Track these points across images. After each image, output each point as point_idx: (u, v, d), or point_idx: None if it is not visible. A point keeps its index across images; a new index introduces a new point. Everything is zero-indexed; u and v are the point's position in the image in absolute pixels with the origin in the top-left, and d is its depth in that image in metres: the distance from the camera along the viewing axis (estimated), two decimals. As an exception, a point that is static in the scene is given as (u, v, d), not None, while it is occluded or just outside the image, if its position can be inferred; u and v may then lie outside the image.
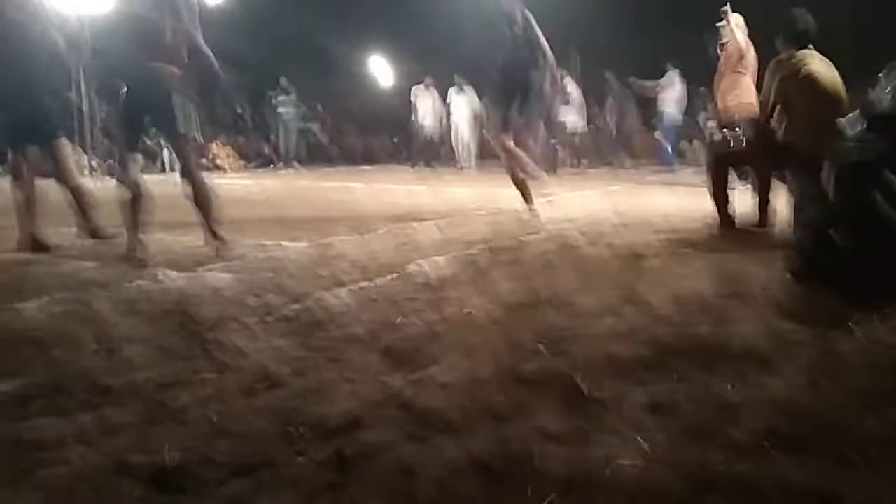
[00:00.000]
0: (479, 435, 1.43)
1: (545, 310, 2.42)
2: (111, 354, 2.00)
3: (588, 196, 6.81)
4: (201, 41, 3.61)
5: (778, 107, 3.82)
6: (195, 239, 3.89)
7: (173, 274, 3.09)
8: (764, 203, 4.18)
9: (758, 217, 4.19)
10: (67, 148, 4.36)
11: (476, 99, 12.37)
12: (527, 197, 5.00)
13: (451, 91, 12.57)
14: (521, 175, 4.95)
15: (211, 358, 1.98)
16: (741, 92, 5.43)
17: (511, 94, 4.85)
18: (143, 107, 3.58)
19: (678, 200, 6.00)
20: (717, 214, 4.18)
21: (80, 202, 4.28)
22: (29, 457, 1.40)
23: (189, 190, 3.70)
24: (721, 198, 4.16)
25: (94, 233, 4.27)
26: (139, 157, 3.75)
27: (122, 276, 3.05)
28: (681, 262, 3.20)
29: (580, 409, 1.56)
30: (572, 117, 12.07)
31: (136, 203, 3.57)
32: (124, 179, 3.61)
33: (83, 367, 1.89)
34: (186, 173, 3.73)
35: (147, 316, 2.42)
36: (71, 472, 1.34)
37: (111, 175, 9.68)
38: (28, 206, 3.99)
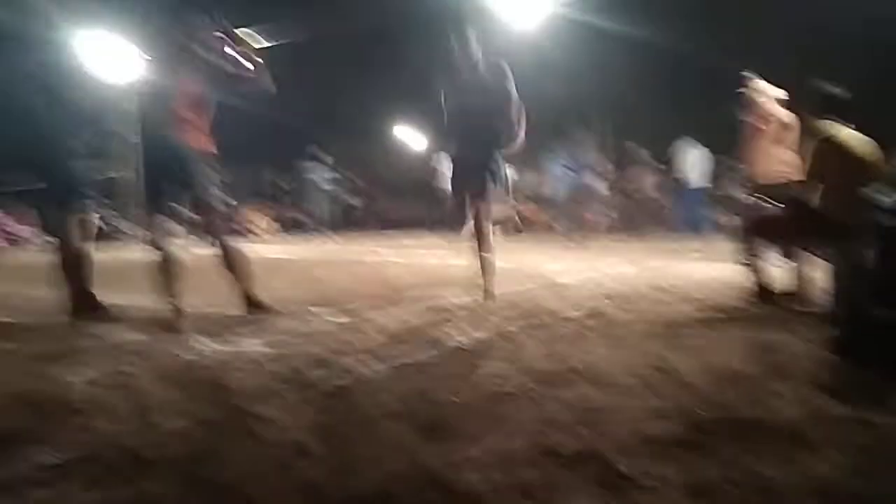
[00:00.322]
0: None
1: (580, 384, 2.38)
2: (150, 426, 2.03)
3: (618, 265, 6.79)
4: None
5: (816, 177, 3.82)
6: (229, 307, 3.97)
7: (210, 343, 3.15)
8: (800, 274, 4.10)
9: (794, 289, 4.11)
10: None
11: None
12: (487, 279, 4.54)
13: None
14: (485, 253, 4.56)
15: (251, 433, 2.00)
16: (770, 159, 5.48)
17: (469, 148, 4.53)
18: (172, 173, 3.73)
19: (710, 270, 5.93)
20: (751, 285, 4.11)
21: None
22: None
23: (222, 256, 3.82)
24: (755, 268, 4.11)
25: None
26: (172, 223, 3.86)
27: (165, 348, 3.12)
28: (716, 334, 3.14)
29: (617, 490, 1.52)
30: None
31: (170, 270, 3.68)
32: (156, 246, 3.74)
33: (123, 438, 1.92)
34: (217, 240, 3.85)
35: (185, 387, 2.46)
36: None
37: (146, 242, 10.01)
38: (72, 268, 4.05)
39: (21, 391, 2.37)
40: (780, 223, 4.10)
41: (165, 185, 3.74)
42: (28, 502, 1.55)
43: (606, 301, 4.40)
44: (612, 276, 5.95)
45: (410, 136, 17.46)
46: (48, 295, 4.18)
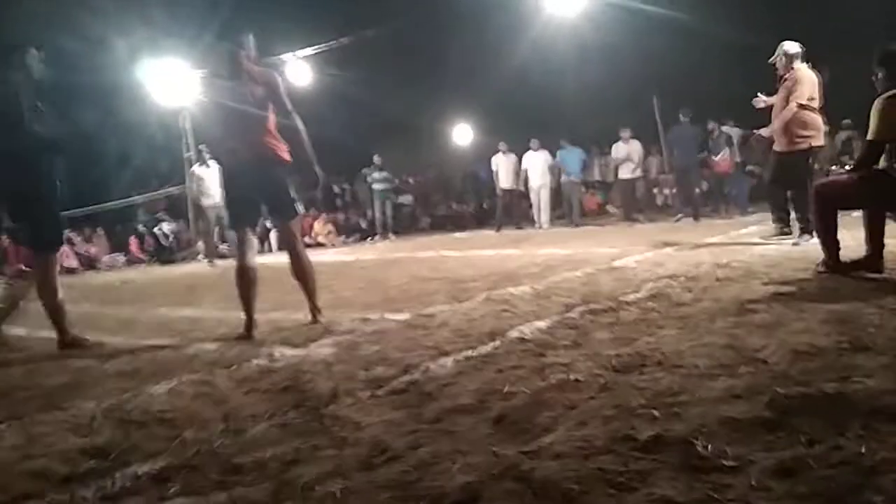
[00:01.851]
0: (601, 505, 1.41)
1: (654, 371, 2.36)
2: (237, 433, 2.12)
3: (676, 245, 6.67)
4: (299, 123, 3.90)
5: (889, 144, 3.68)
6: (304, 316, 4.08)
7: (287, 351, 3.26)
8: (878, 246, 3.95)
9: (872, 261, 3.96)
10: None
11: (549, 158, 12.85)
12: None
13: (526, 154, 13.09)
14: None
15: (329, 433, 2.06)
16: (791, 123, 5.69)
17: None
18: (253, 189, 3.86)
19: (778, 248, 5.76)
20: (827, 260, 3.99)
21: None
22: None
23: (292, 265, 3.96)
24: (831, 242, 3.98)
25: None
26: (252, 237, 4.00)
27: (240, 356, 3.24)
28: (794, 313, 3.05)
29: (699, 474, 1.51)
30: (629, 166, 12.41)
31: (249, 283, 3.81)
32: (238, 260, 3.88)
33: (213, 446, 2.01)
34: (292, 251, 3.99)
35: (266, 393, 2.56)
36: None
37: (226, 257, 10.41)
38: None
39: (112, 406, 2.50)
40: (857, 195, 3.96)
41: (244, 202, 3.89)
42: (131, 510, 1.65)
43: (668, 281, 4.34)
44: (671, 256, 5.86)
45: (465, 135, 17.51)
46: (124, 313, 4.38)
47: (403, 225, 15.67)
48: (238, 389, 2.63)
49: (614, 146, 12.67)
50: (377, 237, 14.01)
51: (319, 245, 13.44)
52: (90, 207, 11.98)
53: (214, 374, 2.90)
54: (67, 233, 10.24)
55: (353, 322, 3.92)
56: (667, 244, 6.89)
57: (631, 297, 3.92)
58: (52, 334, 3.95)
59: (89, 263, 12.69)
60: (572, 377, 2.35)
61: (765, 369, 2.23)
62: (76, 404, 2.57)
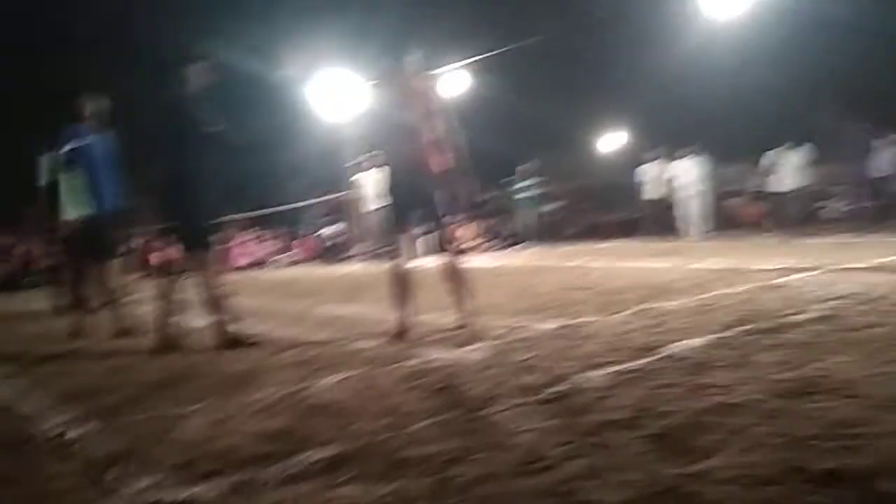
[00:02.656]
0: (767, 537, 1.37)
1: (825, 400, 2.21)
2: (399, 428, 2.25)
3: (847, 262, 6.11)
4: (456, 137, 4.04)
5: None
6: (456, 320, 4.21)
7: (441, 353, 3.39)
8: None
9: None
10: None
11: (701, 166, 12.22)
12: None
13: (679, 162, 12.54)
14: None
15: (484, 436, 2.13)
16: None
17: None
18: (409, 195, 4.04)
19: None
20: None
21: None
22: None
23: (446, 270, 4.07)
24: None
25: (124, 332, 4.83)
26: (408, 241, 4.18)
27: (399, 355, 3.42)
28: None
29: (884, 517, 1.42)
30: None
31: (404, 285, 3.99)
32: (393, 263, 4.07)
33: (379, 439, 2.15)
34: (446, 256, 4.12)
35: (424, 392, 2.68)
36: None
37: (379, 257, 10.94)
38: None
39: (288, 394, 2.74)
40: None
41: (404, 207, 4.08)
42: (304, 493, 1.80)
43: (840, 303, 4.02)
44: (843, 276, 5.40)
45: (613, 145, 17.17)
46: (295, 308, 4.73)
47: (549, 233, 15.60)
48: (398, 387, 2.78)
49: (764, 155, 11.73)
50: (522, 245, 14.06)
51: (467, 251, 13.73)
52: (264, 210, 13.02)
53: (376, 370, 3.08)
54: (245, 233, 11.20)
55: (503, 329, 3.99)
56: (838, 262, 6.36)
57: (797, 318, 3.67)
58: (235, 326, 4.26)
59: (262, 261, 13.81)
60: (733, 400, 2.26)
61: (960, 405, 2.03)
62: (257, 391, 2.85)
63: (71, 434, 2.41)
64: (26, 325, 6.11)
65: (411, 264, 4.10)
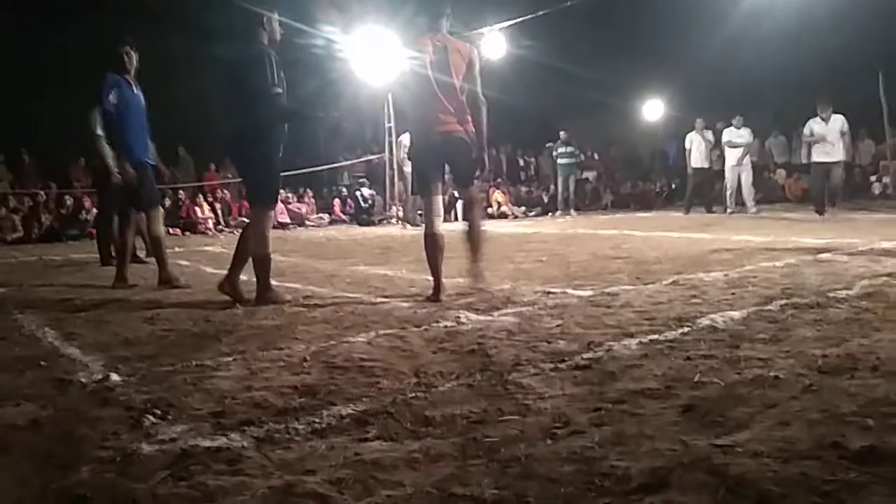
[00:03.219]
0: (801, 512, 1.33)
1: (868, 377, 2.15)
2: (428, 388, 2.25)
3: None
4: (483, 106, 4.00)
5: None
6: (490, 284, 4.20)
7: (472, 316, 3.39)
8: None
9: None
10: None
11: (752, 136, 11.79)
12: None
13: (726, 132, 12.09)
14: None
15: (512, 398, 2.13)
16: None
17: None
18: (442, 156, 4.01)
19: None
20: None
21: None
22: (369, 475, 1.63)
23: (468, 231, 4.09)
24: None
25: (167, 282, 4.90)
26: (440, 205, 4.16)
27: (429, 316, 3.42)
28: None
29: (924, 497, 1.37)
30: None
31: (437, 249, 3.98)
32: (427, 227, 4.06)
33: (407, 397, 2.16)
34: (469, 216, 4.12)
35: (453, 354, 2.68)
36: (404, 494, 1.52)
37: (410, 220, 10.98)
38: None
39: (319, 350, 2.77)
40: None
41: (433, 171, 4.04)
42: (332, 446, 1.82)
43: (887, 280, 3.90)
44: (887, 252, 5.23)
45: (655, 111, 16.72)
46: (328, 267, 4.77)
47: (586, 201, 15.43)
48: (428, 347, 2.79)
49: (808, 124, 10.45)
50: (559, 212, 13.92)
51: (502, 216, 13.67)
52: (302, 170, 13.09)
53: (407, 330, 3.10)
54: (283, 193, 11.35)
55: (535, 294, 3.97)
56: (885, 239, 6.15)
57: (841, 294, 3.57)
58: (278, 283, 4.28)
59: (299, 220, 13.95)
60: (771, 374, 2.21)
61: None
62: (289, 346, 2.89)
63: (111, 380, 2.47)
64: (72, 274, 6.28)
65: (441, 228, 4.07)
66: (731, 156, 12.07)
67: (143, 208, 5.13)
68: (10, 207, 11.96)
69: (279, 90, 3.95)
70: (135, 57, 5.01)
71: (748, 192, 12.04)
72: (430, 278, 4.02)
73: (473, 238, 4.14)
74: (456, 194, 8.79)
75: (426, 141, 4.03)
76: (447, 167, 4.08)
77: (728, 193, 12.31)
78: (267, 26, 4.03)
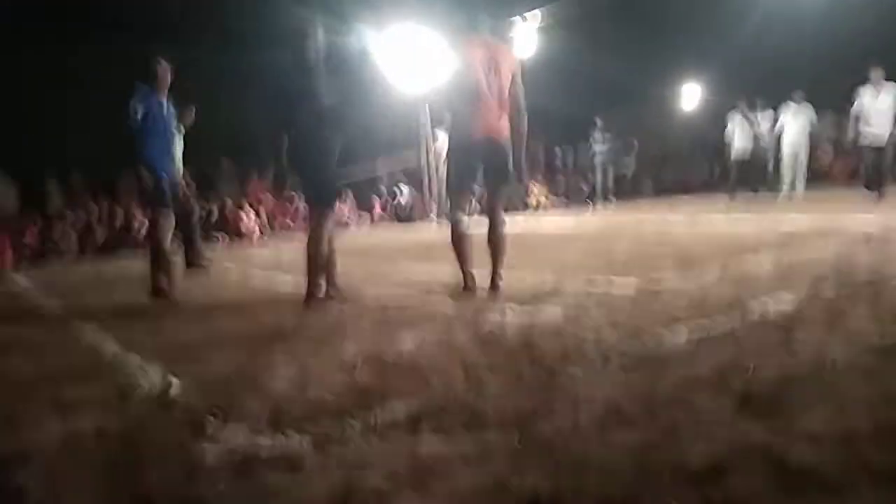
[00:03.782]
0: (863, 499, 1.31)
1: (929, 359, 2.10)
2: (479, 383, 2.28)
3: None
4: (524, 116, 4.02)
5: None
6: (530, 277, 4.20)
7: (517, 308, 3.40)
8: None
9: None
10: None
11: (812, 115, 11.29)
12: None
13: (783, 109, 11.56)
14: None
15: (563, 390, 2.14)
16: None
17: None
18: (478, 157, 4.00)
19: None
20: None
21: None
22: (424, 469, 1.66)
23: (490, 234, 4.07)
24: None
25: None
26: (468, 203, 4.15)
27: (475, 312, 3.45)
28: None
29: None
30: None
31: (462, 245, 4.00)
32: (452, 224, 4.06)
33: (458, 392, 2.19)
34: (493, 219, 4.10)
35: (501, 348, 2.70)
36: (459, 487, 1.55)
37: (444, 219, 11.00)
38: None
39: (372, 352, 2.81)
40: None
41: (469, 171, 4.05)
42: (388, 443, 1.85)
43: (947, 259, 3.77)
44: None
45: (692, 97, 16.38)
46: (373, 266, 4.81)
47: (625, 191, 15.23)
48: (475, 343, 2.81)
49: (858, 94, 9.40)
50: (598, 202, 13.78)
51: (537, 207, 13.61)
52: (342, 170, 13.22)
53: (454, 327, 3.12)
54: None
55: (580, 286, 3.96)
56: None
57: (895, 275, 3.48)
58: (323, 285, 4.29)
59: (341, 223, 14.14)
60: (827, 357, 2.18)
61: None
62: (340, 346, 2.94)
63: (172, 386, 2.56)
64: (129, 286, 6.48)
65: (468, 225, 4.07)
66: (791, 134, 11.50)
67: (184, 219, 5.22)
68: (67, 222, 12.38)
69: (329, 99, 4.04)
70: (169, 72, 5.06)
71: (802, 174, 11.59)
72: (462, 275, 4.03)
73: (495, 241, 4.09)
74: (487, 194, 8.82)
75: (468, 141, 4.02)
76: (485, 166, 4.08)
77: (784, 175, 11.77)
78: (319, 33, 4.12)
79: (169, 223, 5.02)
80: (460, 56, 3.99)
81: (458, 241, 4.03)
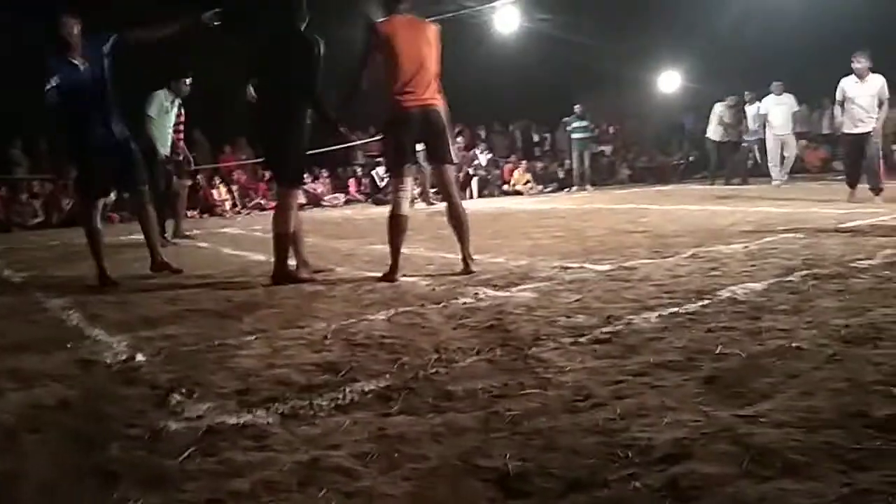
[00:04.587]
0: (826, 480, 1.33)
1: (892, 346, 2.14)
2: (448, 363, 2.27)
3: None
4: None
5: None
6: (503, 259, 4.19)
7: (490, 292, 3.39)
8: None
9: None
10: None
11: (794, 105, 11.37)
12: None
13: (767, 99, 11.63)
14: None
15: (533, 373, 2.14)
16: None
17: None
18: (416, 134, 3.94)
19: None
20: None
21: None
22: (393, 449, 1.65)
23: (448, 213, 4.04)
24: None
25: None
26: (410, 184, 4.09)
27: (448, 293, 3.43)
28: None
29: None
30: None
31: (398, 230, 3.96)
32: (392, 207, 4.02)
33: (428, 373, 2.18)
34: (448, 198, 4.07)
35: (473, 330, 2.69)
36: (429, 467, 1.54)
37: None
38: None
39: (340, 328, 2.78)
40: None
41: (406, 146, 3.97)
42: (356, 421, 1.84)
43: (911, 250, 3.85)
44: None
45: (671, 83, 16.41)
46: (345, 246, 4.77)
47: (602, 176, 15.28)
48: (447, 324, 2.80)
49: (840, 84, 8.53)
50: (575, 187, 13.82)
51: (517, 193, 13.60)
52: (317, 150, 13.03)
53: (426, 307, 3.11)
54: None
55: (553, 269, 3.97)
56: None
57: (863, 264, 3.54)
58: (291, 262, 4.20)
59: (315, 201, 13.95)
60: (793, 344, 2.21)
61: None
62: (310, 324, 2.91)
63: (136, 360, 2.51)
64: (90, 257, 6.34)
65: (408, 208, 4.06)
66: (775, 125, 11.55)
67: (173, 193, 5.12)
68: (31, 192, 12.07)
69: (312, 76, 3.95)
70: (74, 27, 4.28)
71: (787, 164, 11.64)
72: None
73: (455, 219, 4.04)
74: (471, 172, 8.74)
75: (403, 116, 3.91)
76: (424, 142, 4.01)
77: (772, 165, 11.76)
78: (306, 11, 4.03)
79: (94, 211, 4.67)
80: (387, 32, 3.89)
81: (391, 228, 3.98)
